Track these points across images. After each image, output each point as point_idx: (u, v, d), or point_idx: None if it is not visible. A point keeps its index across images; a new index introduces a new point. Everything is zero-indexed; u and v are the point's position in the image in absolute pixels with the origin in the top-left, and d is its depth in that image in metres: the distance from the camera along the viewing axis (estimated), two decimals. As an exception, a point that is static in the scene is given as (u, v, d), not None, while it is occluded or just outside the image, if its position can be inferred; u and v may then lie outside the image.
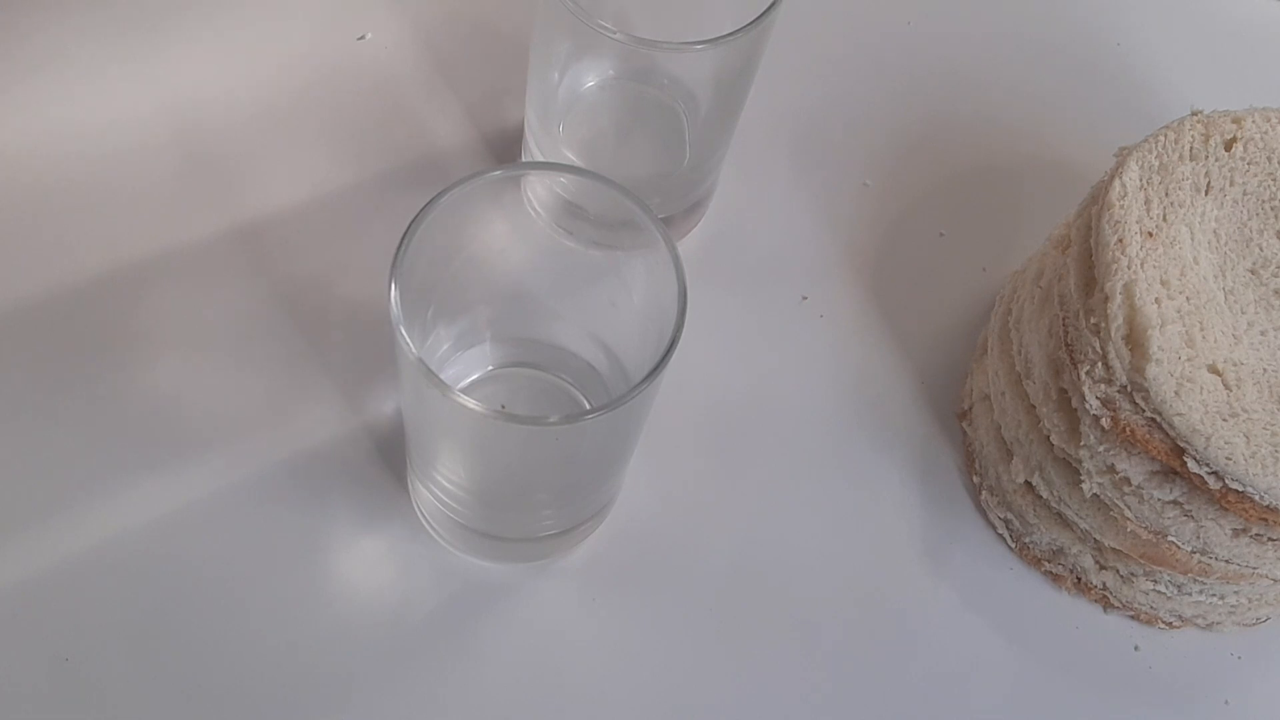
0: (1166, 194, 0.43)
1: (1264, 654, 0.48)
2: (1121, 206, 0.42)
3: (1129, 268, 0.41)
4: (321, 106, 0.53)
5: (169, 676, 0.43)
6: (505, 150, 0.53)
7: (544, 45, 0.46)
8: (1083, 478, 0.43)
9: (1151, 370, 0.40)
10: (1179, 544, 0.43)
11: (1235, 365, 0.41)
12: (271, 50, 0.54)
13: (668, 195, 0.51)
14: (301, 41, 0.55)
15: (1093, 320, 0.41)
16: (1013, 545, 0.49)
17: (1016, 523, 0.48)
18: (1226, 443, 0.39)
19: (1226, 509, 0.41)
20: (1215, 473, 0.40)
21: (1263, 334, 0.42)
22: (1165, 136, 0.44)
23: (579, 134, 0.51)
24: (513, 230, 0.42)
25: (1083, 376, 0.41)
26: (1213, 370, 0.40)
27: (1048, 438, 0.44)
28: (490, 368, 0.47)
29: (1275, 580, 0.44)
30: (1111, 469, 0.42)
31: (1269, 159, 0.44)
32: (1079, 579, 0.48)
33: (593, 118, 0.51)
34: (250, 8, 0.55)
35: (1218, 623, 0.48)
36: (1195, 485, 0.41)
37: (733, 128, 0.50)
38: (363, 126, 0.53)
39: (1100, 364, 0.41)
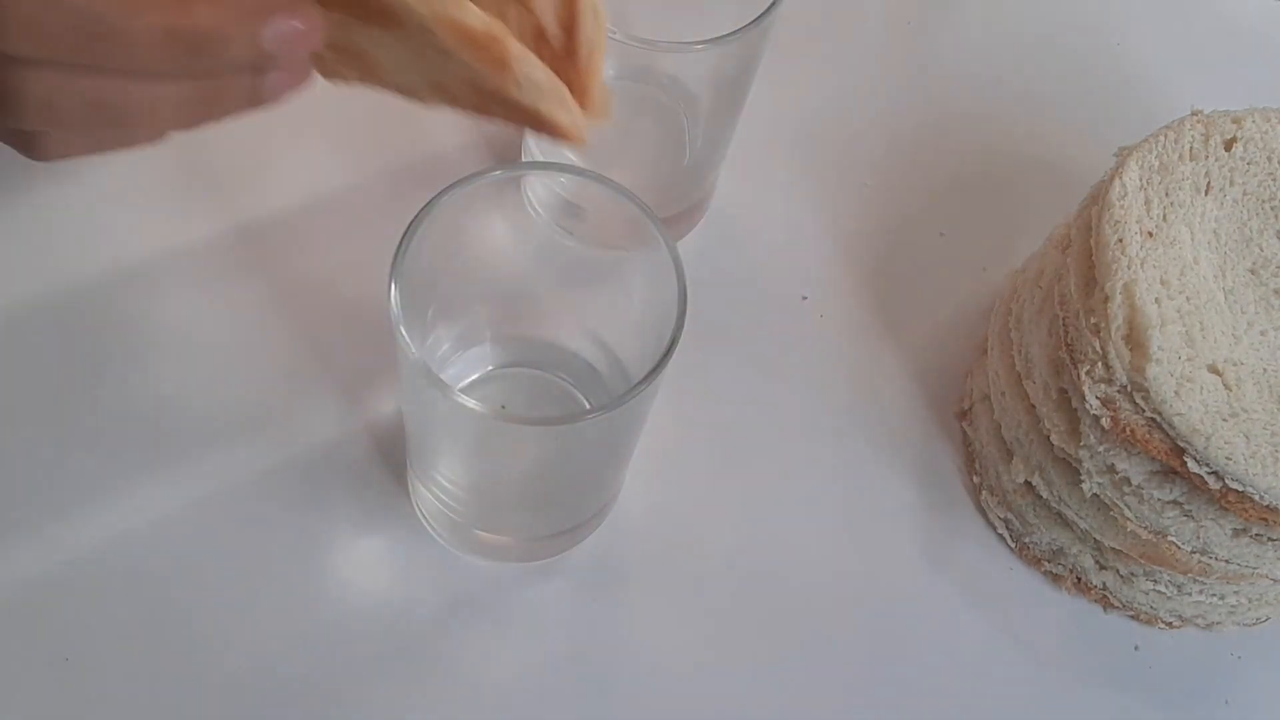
0: (1166, 194, 0.43)
1: (1264, 654, 0.48)
2: (1121, 206, 0.42)
3: (1129, 268, 0.41)
4: (321, 106, 0.53)
5: (169, 676, 0.43)
6: (505, 150, 0.53)
7: (544, 45, 0.46)
8: (1083, 478, 0.43)
9: (1151, 370, 0.40)
10: (1179, 544, 0.43)
11: (1235, 365, 0.41)
12: (271, 50, 0.54)
13: (668, 195, 0.51)
14: (301, 41, 0.55)
15: (1093, 320, 0.41)
16: (1013, 545, 0.49)
17: (1016, 523, 0.48)
18: (1226, 443, 0.39)
19: (1226, 509, 0.41)
20: (1215, 473, 0.40)
21: (1263, 334, 0.42)
22: (1165, 136, 0.44)
23: (579, 134, 0.51)
24: (513, 230, 0.42)
25: (1083, 376, 0.41)
26: (1213, 370, 0.40)
27: (1048, 438, 0.44)
28: (490, 368, 0.47)
29: (1275, 580, 0.44)
30: (1111, 469, 0.42)
31: (1269, 159, 0.44)
32: (1079, 579, 0.48)
33: (593, 118, 0.51)
34: (250, 8, 0.55)
35: (1218, 623, 0.48)
36: (1195, 485, 0.41)
37: (733, 128, 0.50)
38: (363, 126, 0.53)
39: (1100, 364, 0.41)
